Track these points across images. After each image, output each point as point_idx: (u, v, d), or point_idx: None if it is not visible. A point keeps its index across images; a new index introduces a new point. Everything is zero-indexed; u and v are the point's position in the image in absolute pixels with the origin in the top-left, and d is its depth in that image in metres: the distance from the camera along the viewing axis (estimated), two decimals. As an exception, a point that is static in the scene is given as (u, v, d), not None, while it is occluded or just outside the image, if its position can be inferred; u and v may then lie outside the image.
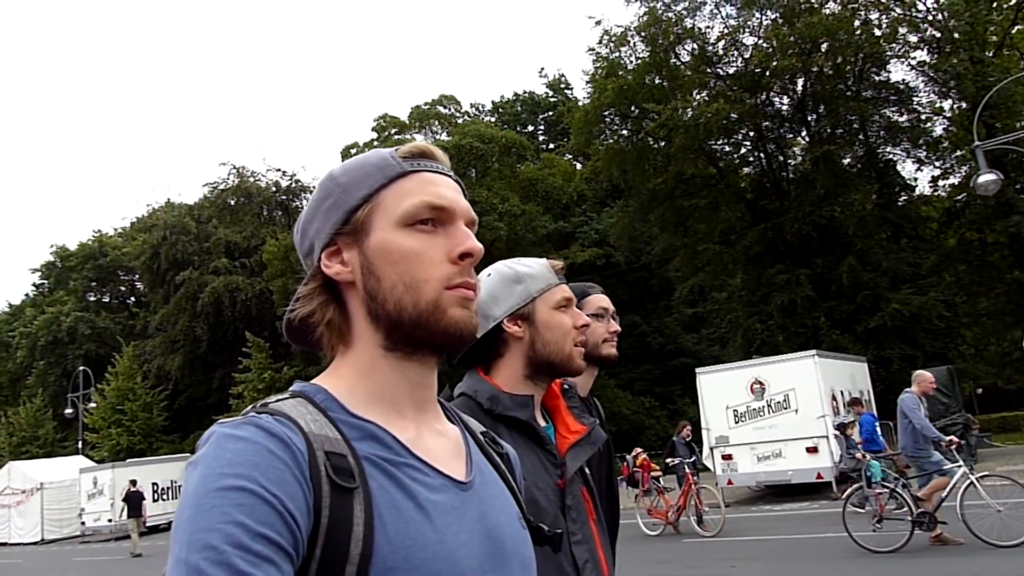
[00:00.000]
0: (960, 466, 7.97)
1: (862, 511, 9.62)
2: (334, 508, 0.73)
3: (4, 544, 29.10)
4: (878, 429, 12.67)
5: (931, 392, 8.77)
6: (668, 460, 12.95)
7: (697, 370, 16.81)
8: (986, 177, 16.43)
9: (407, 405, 0.88)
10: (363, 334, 0.87)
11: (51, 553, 23.99)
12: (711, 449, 15.72)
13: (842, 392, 16.11)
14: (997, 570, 6.98)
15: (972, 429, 17.67)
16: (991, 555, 7.41)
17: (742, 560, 9.31)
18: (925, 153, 27.25)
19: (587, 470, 1.57)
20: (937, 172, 27.63)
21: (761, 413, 15.39)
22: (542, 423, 1.52)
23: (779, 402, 15.26)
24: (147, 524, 20.38)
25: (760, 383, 15.51)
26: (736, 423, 15.63)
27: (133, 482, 20.70)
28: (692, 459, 12.62)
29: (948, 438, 8.15)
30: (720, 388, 15.95)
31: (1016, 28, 25.29)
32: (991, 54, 24.70)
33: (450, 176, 0.92)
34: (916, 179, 30.36)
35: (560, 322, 1.54)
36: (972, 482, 7.72)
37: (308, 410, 0.80)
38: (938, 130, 26.92)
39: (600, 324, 1.98)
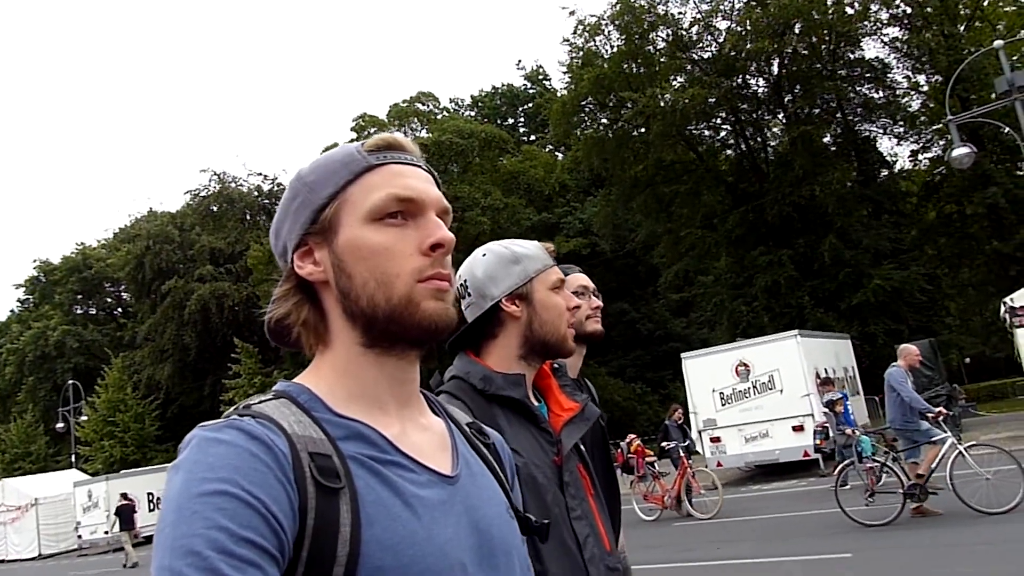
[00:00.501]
0: (948, 437, 8.05)
1: (845, 487, 9.73)
2: (320, 509, 0.72)
3: (1, 561, 29.03)
4: (849, 407, 12.84)
5: (917, 365, 8.87)
6: (664, 444, 12.97)
7: (683, 355, 16.93)
8: (960, 151, 16.58)
9: (389, 401, 0.87)
10: (340, 332, 0.87)
11: (47, 568, 23.98)
12: (699, 432, 15.83)
13: (826, 370, 16.26)
14: (989, 537, 7.09)
15: (956, 400, 17.89)
16: (983, 523, 7.52)
17: (740, 541, 9.37)
18: (903, 129, 27.49)
19: (582, 447, 1.58)
20: (915, 147, 27.89)
21: (747, 395, 15.51)
22: (535, 402, 1.53)
23: (764, 383, 15.39)
24: (141, 535, 20.35)
25: (745, 365, 15.64)
26: (723, 405, 15.76)
27: (124, 495, 20.69)
28: (685, 442, 12.71)
29: (937, 409, 8.23)
30: (706, 372, 16.07)
31: (987, 1, 25.49)
32: (963, 28, 24.89)
33: (420, 166, 0.91)
34: (895, 155, 30.61)
35: (556, 303, 1.56)
36: (960, 452, 7.83)
37: (291, 411, 0.79)
38: (915, 105, 27.16)
39: (582, 302, 2.00)
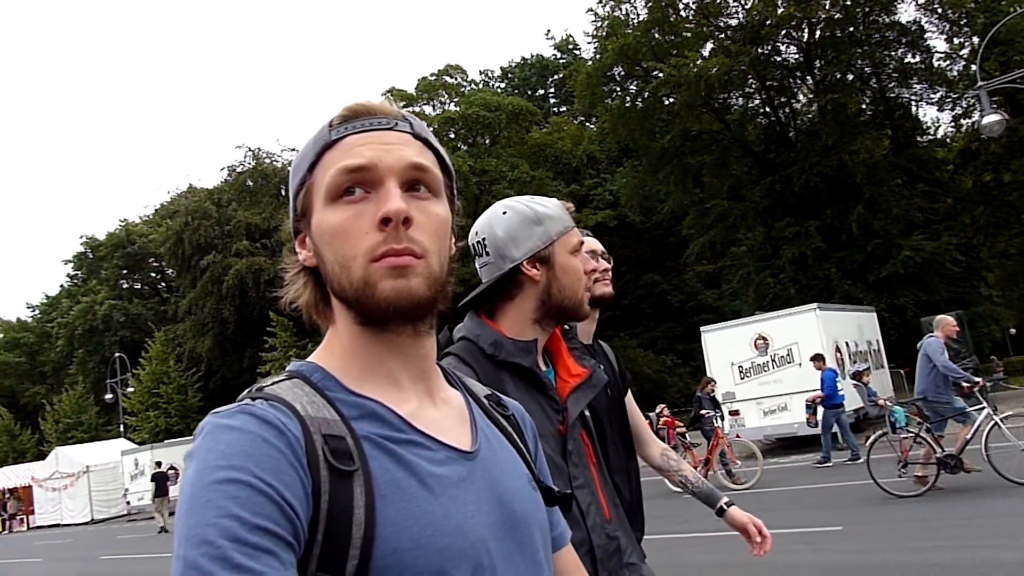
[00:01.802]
0: (984, 407, 8.01)
1: (859, 461, 9.62)
2: (334, 493, 0.72)
3: (57, 525, 30.58)
4: (838, 384, 12.78)
5: (954, 335, 8.78)
6: (703, 413, 12.76)
7: (702, 328, 16.98)
8: (990, 118, 16.25)
9: (403, 376, 0.85)
10: (339, 312, 0.86)
11: (99, 532, 25.19)
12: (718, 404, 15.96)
13: (847, 344, 16.18)
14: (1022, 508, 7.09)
15: (981, 373, 17.64)
16: (1018, 493, 7.53)
17: (776, 510, 9.43)
18: (940, 94, 26.66)
19: (586, 412, 1.56)
20: (954, 112, 27.08)
21: (766, 368, 15.56)
22: (543, 368, 1.51)
23: (783, 356, 15.40)
24: (170, 499, 21.36)
25: (764, 338, 15.66)
26: (742, 379, 15.82)
27: (159, 463, 21.69)
28: (718, 413, 12.70)
29: (976, 380, 8.16)
30: (725, 345, 16.12)
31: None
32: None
33: (388, 128, 0.84)
34: (938, 121, 29.63)
35: (576, 266, 1.53)
36: (996, 423, 7.84)
37: (304, 391, 0.78)
38: (956, 70, 26.28)
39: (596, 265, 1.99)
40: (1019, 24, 21.19)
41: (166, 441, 30.20)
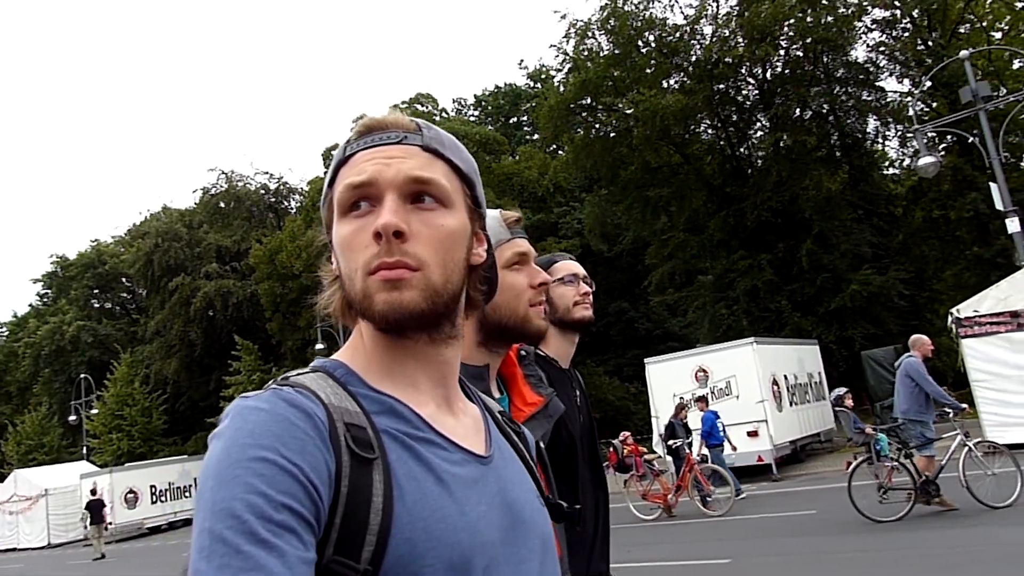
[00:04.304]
0: (958, 434, 8.20)
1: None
2: (354, 478, 0.73)
3: (13, 550, 30.15)
4: (719, 424, 13.20)
5: (930, 355, 8.84)
6: (670, 443, 12.83)
7: (646, 360, 17.38)
8: (925, 160, 16.81)
9: (423, 381, 0.87)
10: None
11: (53, 557, 24.98)
12: (660, 436, 16.26)
13: (785, 376, 16.60)
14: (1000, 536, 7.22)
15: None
16: (993, 517, 7.80)
17: (685, 542, 9.72)
18: (896, 132, 27.45)
19: (541, 444, 1.57)
20: (904, 150, 27.87)
21: (705, 400, 15.92)
22: (497, 395, 1.44)
23: (722, 388, 15.80)
24: (108, 527, 21.52)
25: (704, 371, 16.05)
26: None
27: (93, 491, 21.78)
28: (690, 440, 12.69)
29: (962, 406, 8.28)
30: (667, 377, 16.50)
31: (973, 2, 25.37)
32: (950, 33, 24.83)
33: (394, 142, 0.86)
34: (899, 155, 30.36)
35: (511, 282, 1.43)
36: (970, 448, 8.07)
37: (328, 384, 0.80)
38: (912, 108, 27.01)
39: (570, 288, 1.91)
40: (962, 68, 21.93)
41: (126, 464, 30.02)
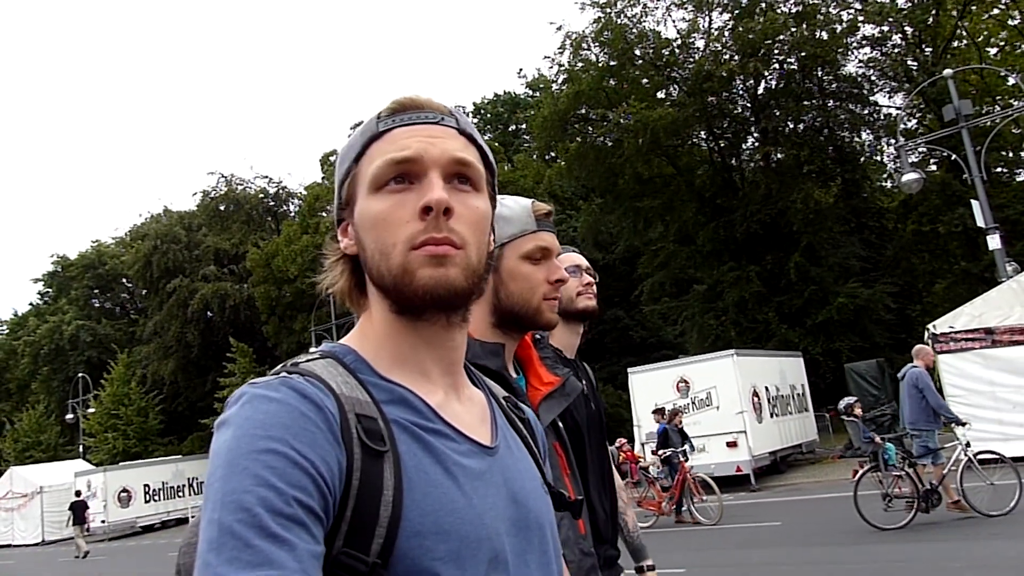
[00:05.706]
0: (958, 444, 8.36)
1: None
2: (365, 471, 0.73)
3: (8, 546, 30.43)
4: (673, 437, 12.98)
5: (932, 365, 8.97)
6: (661, 451, 12.81)
7: (629, 370, 17.62)
8: (909, 176, 17.03)
9: (432, 368, 0.87)
10: (375, 299, 0.87)
11: (46, 554, 25.21)
12: (642, 445, 16.48)
13: (766, 388, 16.80)
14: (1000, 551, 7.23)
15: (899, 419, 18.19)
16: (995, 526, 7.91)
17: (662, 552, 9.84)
18: (885, 144, 27.68)
19: (559, 423, 1.51)
20: (897, 165, 28.05)
21: (686, 410, 16.11)
22: (513, 375, 1.46)
23: (702, 399, 16.01)
24: (89, 528, 21.89)
25: (685, 381, 16.27)
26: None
27: (78, 493, 22.20)
28: (684, 447, 12.63)
29: (964, 421, 8.44)
30: (649, 387, 16.74)
31: (966, 20, 25.61)
32: (941, 48, 25.07)
33: (433, 122, 0.87)
34: (889, 169, 30.60)
35: (527, 273, 1.46)
36: (970, 459, 8.25)
37: (338, 371, 0.79)
38: (910, 123, 27.26)
39: (573, 279, 1.91)
40: (955, 80, 22.15)
41: (120, 464, 30.29)
